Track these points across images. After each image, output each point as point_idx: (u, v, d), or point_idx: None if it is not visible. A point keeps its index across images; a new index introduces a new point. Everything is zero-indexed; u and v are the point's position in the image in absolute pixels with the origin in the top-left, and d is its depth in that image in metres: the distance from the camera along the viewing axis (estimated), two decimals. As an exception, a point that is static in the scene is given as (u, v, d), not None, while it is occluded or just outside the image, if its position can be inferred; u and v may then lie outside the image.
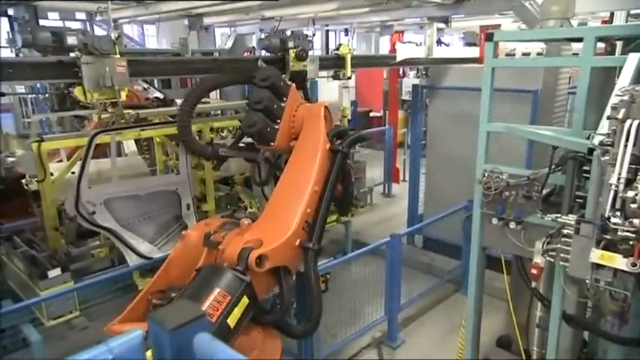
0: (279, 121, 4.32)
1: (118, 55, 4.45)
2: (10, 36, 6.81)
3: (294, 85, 4.63)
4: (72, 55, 4.60)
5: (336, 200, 4.87)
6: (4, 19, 7.87)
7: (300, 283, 4.08)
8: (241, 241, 3.53)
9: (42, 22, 9.27)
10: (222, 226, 3.88)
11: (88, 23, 10.91)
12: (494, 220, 3.67)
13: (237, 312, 3.19)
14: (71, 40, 5.09)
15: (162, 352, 1.38)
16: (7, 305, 4.28)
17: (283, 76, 4.84)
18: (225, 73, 4.96)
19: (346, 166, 4.56)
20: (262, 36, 6.43)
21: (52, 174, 4.66)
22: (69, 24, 11.45)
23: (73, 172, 4.72)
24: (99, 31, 9.95)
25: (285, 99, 4.41)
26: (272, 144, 4.33)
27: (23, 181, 5.03)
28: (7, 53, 7.39)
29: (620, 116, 2.54)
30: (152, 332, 1.39)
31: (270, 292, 3.83)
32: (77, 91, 4.41)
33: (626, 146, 2.48)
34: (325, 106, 4.50)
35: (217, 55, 9.94)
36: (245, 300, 3.27)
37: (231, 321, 3.15)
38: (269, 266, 3.46)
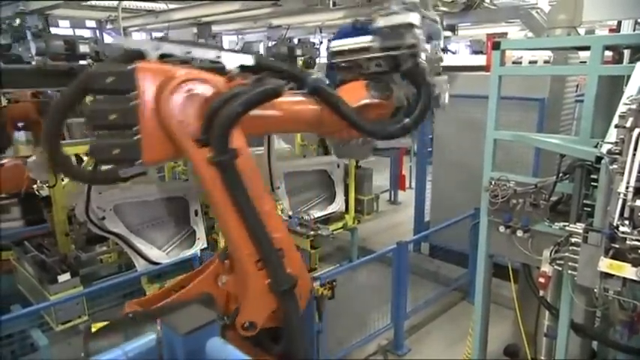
0: (135, 128, 2.88)
1: (128, 63, 4.51)
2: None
3: (141, 61, 2.94)
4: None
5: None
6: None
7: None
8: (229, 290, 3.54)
9: (53, 30, 9.41)
10: None
11: (97, 31, 11.05)
12: (502, 228, 3.68)
13: None
14: (83, 48, 5.17)
15: (175, 355, 1.40)
16: (16, 310, 4.32)
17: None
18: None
19: (418, 73, 3.46)
20: (270, 44, 6.50)
21: (62, 180, 4.72)
22: (79, 32, 11.63)
23: (83, 178, 4.78)
24: (108, 39, 10.07)
25: (134, 91, 2.86)
26: (139, 161, 2.93)
27: (34, 186, 5.10)
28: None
29: (628, 125, 2.55)
30: (165, 336, 1.41)
31: (280, 320, 3.51)
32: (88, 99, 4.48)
33: (634, 155, 2.49)
34: (183, 80, 2.88)
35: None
36: None
37: None
38: (261, 324, 3.36)
